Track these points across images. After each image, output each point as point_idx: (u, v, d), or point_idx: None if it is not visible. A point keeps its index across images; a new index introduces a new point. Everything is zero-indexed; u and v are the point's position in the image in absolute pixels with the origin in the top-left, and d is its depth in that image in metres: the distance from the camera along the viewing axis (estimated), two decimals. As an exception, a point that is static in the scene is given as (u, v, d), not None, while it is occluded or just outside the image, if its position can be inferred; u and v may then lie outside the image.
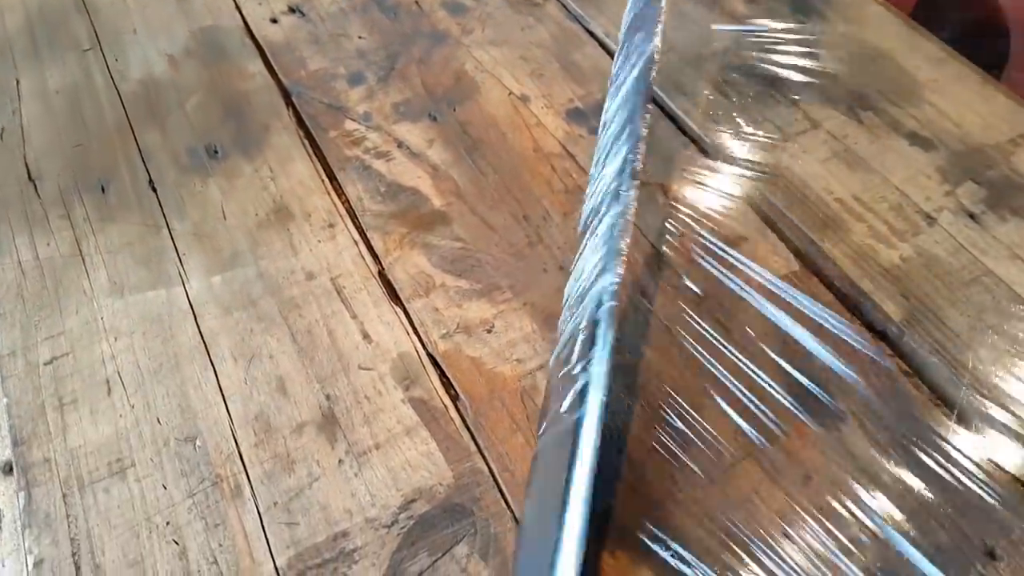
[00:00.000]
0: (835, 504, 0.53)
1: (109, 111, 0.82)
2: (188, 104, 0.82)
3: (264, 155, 0.77)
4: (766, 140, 0.74)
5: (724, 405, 0.57)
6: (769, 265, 0.65)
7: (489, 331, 0.63)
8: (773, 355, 0.60)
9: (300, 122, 0.79)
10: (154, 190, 0.74)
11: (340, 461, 0.56)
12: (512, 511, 0.54)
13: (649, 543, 0.51)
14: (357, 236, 0.70)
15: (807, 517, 0.52)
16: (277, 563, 0.52)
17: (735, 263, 0.65)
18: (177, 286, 0.67)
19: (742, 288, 0.63)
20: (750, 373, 0.59)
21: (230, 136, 0.78)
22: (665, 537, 0.52)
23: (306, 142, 0.78)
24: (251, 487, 0.55)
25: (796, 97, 0.77)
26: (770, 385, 0.58)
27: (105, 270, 0.68)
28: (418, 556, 0.52)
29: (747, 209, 0.69)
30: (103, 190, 0.75)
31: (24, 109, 0.81)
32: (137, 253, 0.70)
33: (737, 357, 0.60)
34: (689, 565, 0.50)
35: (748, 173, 0.71)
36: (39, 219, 0.72)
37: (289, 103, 0.81)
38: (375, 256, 0.68)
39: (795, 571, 0.50)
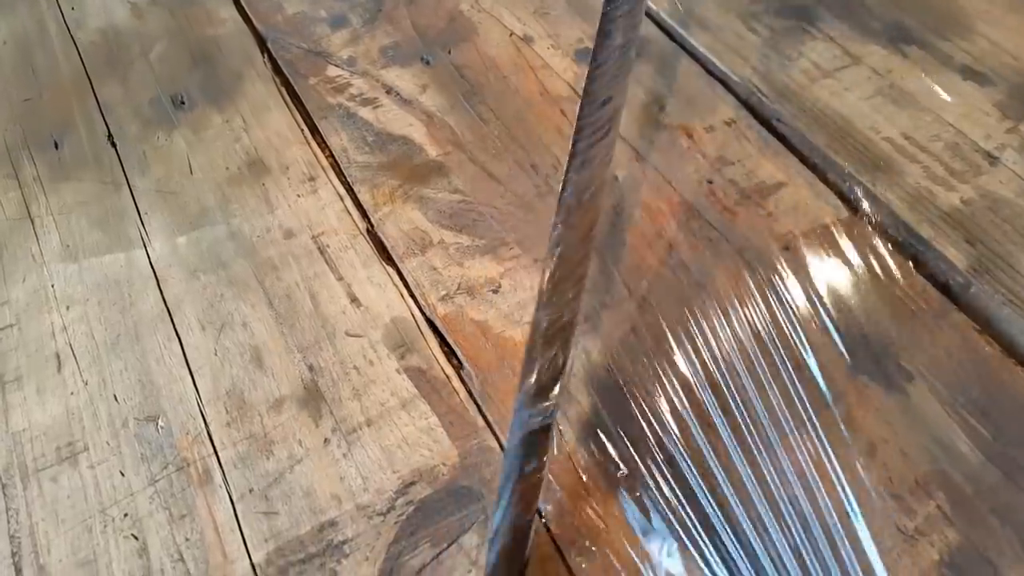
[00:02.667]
0: (905, 476, 0.45)
1: (64, 62, 0.73)
2: (152, 53, 0.74)
3: (236, 105, 0.68)
4: (802, 77, 0.66)
5: (769, 370, 0.49)
6: (813, 212, 0.57)
7: (495, 291, 0.55)
8: (823, 314, 0.52)
9: (277, 69, 0.71)
10: (113, 145, 0.66)
11: (326, 440, 0.49)
12: (528, 494, 0.46)
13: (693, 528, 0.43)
14: (342, 190, 0.62)
15: (873, 494, 0.44)
16: (253, 559, 0.45)
17: (774, 211, 0.58)
18: (138, 248, 0.59)
19: (784, 239, 0.56)
20: (797, 334, 0.51)
21: (198, 85, 0.70)
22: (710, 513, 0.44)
23: (283, 90, 0.69)
24: (222, 472, 0.48)
25: (832, 32, 0.69)
26: (822, 347, 0.50)
27: (57, 233, 0.61)
28: (419, 548, 0.44)
29: (784, 151, 0.61)
30: (56, 146, 0.66)
31: (-32, 61, 0.73)
32: (93, 214, 0.62)
33: (782, 316, 0.52)
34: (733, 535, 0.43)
35: (783, 112, 0.63)
36: (-19, 178, 0.64)
37: (264, 49, 0.73)
38: (363, 211, 0.60)
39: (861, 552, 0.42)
